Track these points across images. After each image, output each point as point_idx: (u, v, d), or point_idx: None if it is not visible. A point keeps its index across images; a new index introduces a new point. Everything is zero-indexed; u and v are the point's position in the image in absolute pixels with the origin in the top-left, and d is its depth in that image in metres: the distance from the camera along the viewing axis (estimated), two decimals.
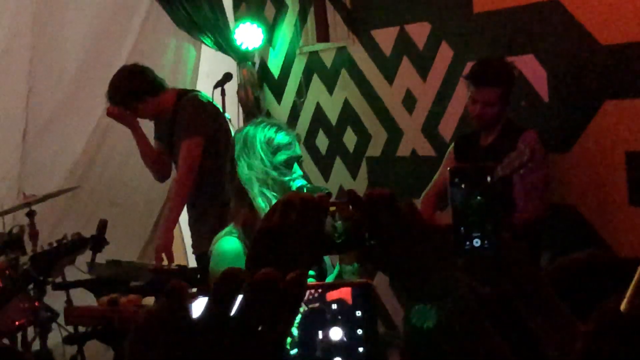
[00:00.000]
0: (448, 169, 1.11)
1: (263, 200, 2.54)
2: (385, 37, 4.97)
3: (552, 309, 1.21)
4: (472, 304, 1.04)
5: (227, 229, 2.61)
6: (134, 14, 5.36)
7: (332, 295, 0.76)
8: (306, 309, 0.75)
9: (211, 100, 4.43)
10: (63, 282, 4.03)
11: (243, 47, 5.53)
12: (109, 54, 5.20)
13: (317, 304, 0.75)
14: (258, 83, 5.73)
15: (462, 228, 1.08)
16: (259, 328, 0.67)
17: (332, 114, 5.38)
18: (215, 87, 4.72)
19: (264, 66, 5.79)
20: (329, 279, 2.64)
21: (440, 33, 4.65)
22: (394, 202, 1.05)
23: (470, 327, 1.03)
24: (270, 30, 5.65)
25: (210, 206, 4.23)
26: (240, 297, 0.67)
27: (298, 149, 2.65)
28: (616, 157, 3.87)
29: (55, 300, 3.97)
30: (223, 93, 4.69)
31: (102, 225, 3.91)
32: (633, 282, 1.16)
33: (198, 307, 0.67)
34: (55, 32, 5.14)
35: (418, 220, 1.06)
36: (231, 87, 5.13)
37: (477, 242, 1.08)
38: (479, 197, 1.09)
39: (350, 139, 5.29)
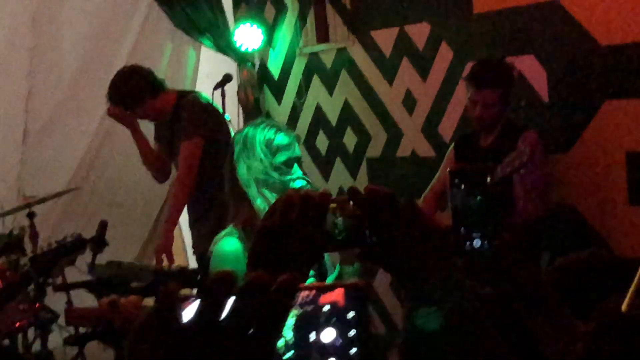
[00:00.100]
0: (448, 169, 1.11)
1: (262, 201, 2.54)
2: (385, 38, 4.97)
3: (552, 310, 1.21)
4: (472, 304, 1.04)
5: (227, 230, 2.61)
6: (133, 15, 5.36)
7: (325, 297, 0.76)
8: (300, 311, 0.75)
9: (211, 101, 4.43)
10: (63, 283, 4.03)
11: (243, 48, 5.53)
12: (109, 55, 5.20)
13: (310, 307, 0.75)
14: (258, 84, 5.73)
15: (462, 228, 1.09)
16: (250, 331, 0.67)
17: (332, 115, 5.38)
18: (215, 88, 4.71)
19: (263, 67, 5.79)
20: (329, 279, 2.64)
21: (440, 33, 4.66)
22: (394, 201, 1.05)
23: (470, 327, 1.03)
24: (270, 31, 5.65)
25: (210, 207, 4.23)
26: (231, 300, 0.67)
27: (298, 150, 2.65)
28: (616, 157, 3.88)
29: (55, 301, 3.97)
30: (223, 94, 4.69)
31: (103, 226, 3.91)
32: (634, 283, 1.16)
33: (192, 310, 0.67)
34: (54, 33, 5.14)
35: (419, 219, 1.06)
36: (231, 88, 5.13)
37: (477, 243, 1.08)
38: (478, 198, 1.09)
39: (350, 139, 5.29)
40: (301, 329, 0.76)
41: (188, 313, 0.67)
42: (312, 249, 1.05)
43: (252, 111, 5.58)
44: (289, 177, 2.59)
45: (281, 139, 2.61)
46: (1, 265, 3.36)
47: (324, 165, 5.46)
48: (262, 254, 1.05)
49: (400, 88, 4.93)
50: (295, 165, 2.62)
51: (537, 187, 3.67)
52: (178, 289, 0.67)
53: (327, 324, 0.75)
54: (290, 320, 0.75)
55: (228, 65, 5.50)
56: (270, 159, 2.57)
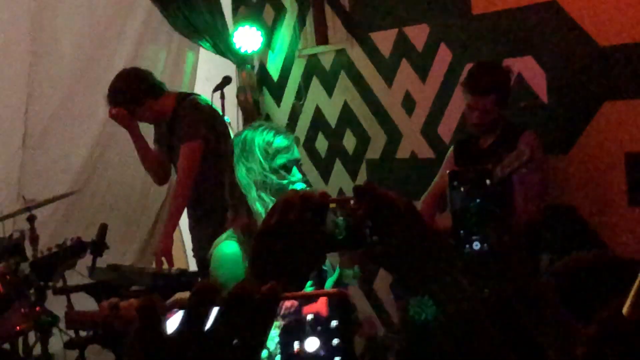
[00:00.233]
0: (447, 172, 1.11)
1: (261, 205, 2.54)
2: (384, 40, 4.97)
3: (553, 314, 1.21)
4: (472, 305, 1.04)
5: (226, 233, 2.61)
6: (132, 18, 5.36)
7: (308, 308, 0.76)
8: (282, 322, 0.75)
9: (210, 104, 4.42)
10: (64, 287, 4.03)
11: (242, 51, 5.53)
12: (108, 58, 5.20)
13: (293, 317, 0.75)
14: (257, 86, 5.74)
15: (461, 231, 1.09)
16: (234, 342, 0.67)
17: (332, 117, 5.38)
18: (215, 90, 4.71)
19: (263, 69, 5.79)
20: (329, 281, 2.64)
21: (439, 35, 4.66)
22: (394, 201, 1.05)
23: (470, 327, 1.03)
24: (269, 33, 5.65)
25: (210, 210, 4.22)
26: (215, 311, 0.67)
27: (297, 152, 2.65)
28: (615, 158, 3.88)
29: (56, 304, 3.97)
30: (222, 96, 4.69)
31: (103, 230, 3.91)
32: (635, 286, 1.16)
33: (176, 320, 0.68)
34: (53, 37, 5.14)
35: (419, 220, 1.06)
36: (230, 91, 5.12)
37: (476, 245, 1.08)
38: (478, 200, 1.09)
39: (349, 141, 5.29)
40: (284, 339, 0.76)
41: (172, 323, 0.67)
42: (313, 249, 1.05)
43: (252, 113, 5.58)
44: (288, 179, 2.59)
45: (280, 141, 2.60)
46: (1, 269, 3.35)
47: (324, 167, 5.46)
48: (263, 255, 1.05)
49: (400, 89, 4.93)
50: (295, 168, 2.62)
51: (537, 188, 3.67)
52: (159, 301, 0.68)
53: (310, 333, 0.75)
54: (274, 332, 0.75)
55: (227, 68, 5.49)
56: (269, 161, 2.57)
